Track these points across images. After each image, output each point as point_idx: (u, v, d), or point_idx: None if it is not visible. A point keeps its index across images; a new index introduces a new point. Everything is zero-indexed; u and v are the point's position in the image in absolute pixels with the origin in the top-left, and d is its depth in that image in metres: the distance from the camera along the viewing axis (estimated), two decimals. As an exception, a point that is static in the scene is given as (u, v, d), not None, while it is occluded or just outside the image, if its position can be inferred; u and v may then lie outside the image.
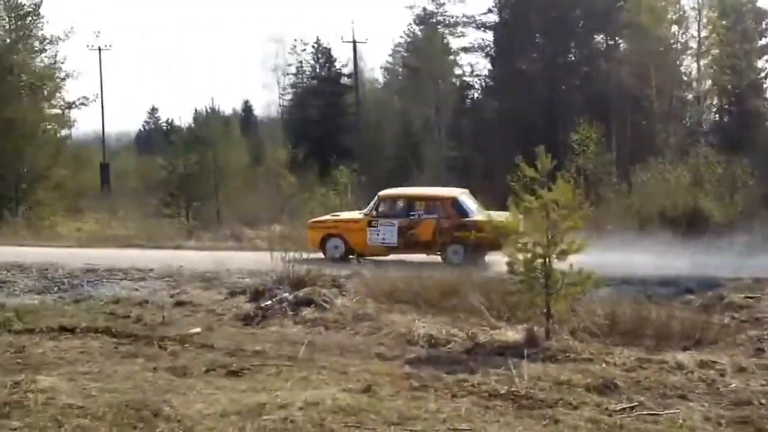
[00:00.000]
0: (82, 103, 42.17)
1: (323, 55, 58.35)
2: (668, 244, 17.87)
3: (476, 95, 55.14)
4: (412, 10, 54.46)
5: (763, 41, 48.03)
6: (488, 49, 52.81)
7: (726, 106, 47.34)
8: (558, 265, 10.33)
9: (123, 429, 6.10)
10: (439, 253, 18.23)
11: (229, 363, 8.77)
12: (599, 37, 49.88)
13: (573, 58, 49.91)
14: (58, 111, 41.93)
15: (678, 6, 44.92)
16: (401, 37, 57.40)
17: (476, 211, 18.40)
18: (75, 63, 74.76)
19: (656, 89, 42.35)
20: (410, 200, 19.17)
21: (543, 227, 10.39)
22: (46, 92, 40.71)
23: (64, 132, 43.79)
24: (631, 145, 41.20)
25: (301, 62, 60.12)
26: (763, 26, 47.93)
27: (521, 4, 48.90)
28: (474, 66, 54.32)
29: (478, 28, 53.47)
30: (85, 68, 55.54)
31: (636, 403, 7.47)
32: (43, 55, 41.01)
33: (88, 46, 56.32)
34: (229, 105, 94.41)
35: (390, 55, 60.93)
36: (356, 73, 57.24)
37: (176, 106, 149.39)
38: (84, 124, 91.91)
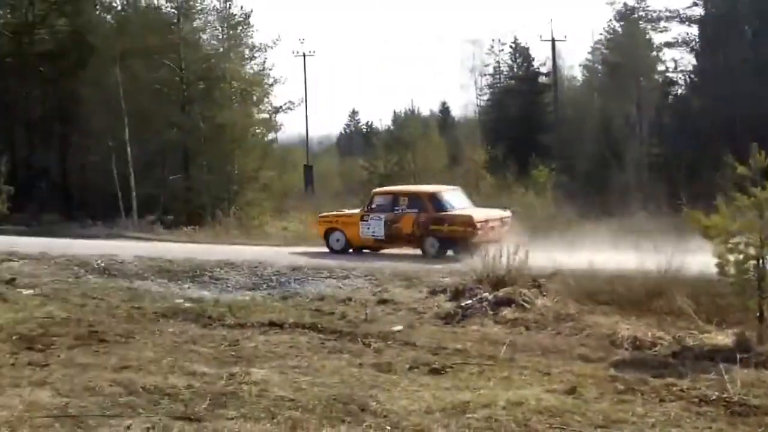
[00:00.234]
0: (288, 108, 43.74)
1: (521, 54, 57.98)
2: None
3: (680, 91, 53.16)
4: (613, 6, 53.02)
5: None
6: (693, 43, 50.82)
7: None
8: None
9: (332, 422, 6.27)
10: (418, 245, 19.51)
11: (432, 361, 8.86)
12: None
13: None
14: (266, 115, 43.60)
15: None
16: (601, 34, 56.04)
17: (458, 208, 19.92)
18: (281, 69, 77.98)
19: None
20: (396, 196, 20.70)
21: (756, 227, 9.90)
22: (255, 98, 42.48)
23: (271, 135, 45.52)
24: None
25: (498, 62, 59.94)
26: None
27: (729, -4, 46.79)
28: (678, 61, 52.41)
29: (682, 22, 51.45)
30: (291, 74, 57.12)
31: None
32: (252, 62, 42.90)
33: (293, 52, 58.29)
34: (427, 106, 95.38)
35: (589, 53, 59.57)
36: (555, 72, 56.46)
37: (376, 108, 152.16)
38: (289, 127, 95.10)
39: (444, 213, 19.58)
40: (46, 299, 13.04)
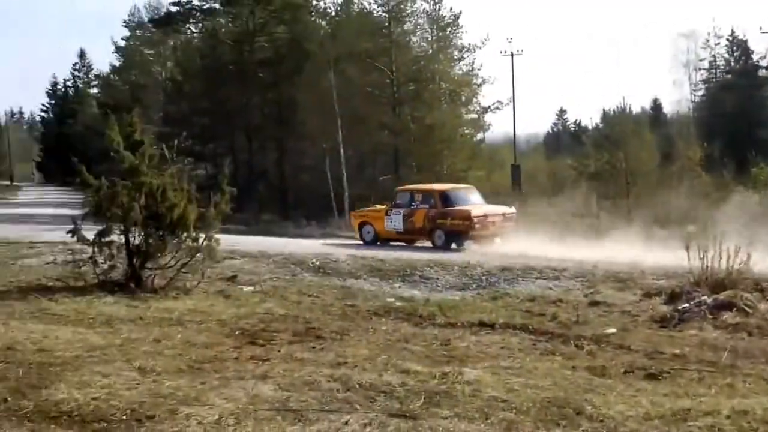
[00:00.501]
0: (497, 108, 43.78)
1: (738, 47, 55.37)
2: None
3: None
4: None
5: None
6: None
7: None
8: None
9: (547, 425, 6.19)
10: (429, 238, 22.36)
11: (648, 365, 8.58)
12: None
13: None
14: (474, 116, 43.80)
15: None
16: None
17: (464, 204, 22.43)
18: (489, 69, 77.82)
19: None
20: (413, 193, 23.61)
21: None
22: (463, 98, 42.80)
23: (479, 135, 45.64)
24: None
25: (714, 56, 57.56)
26: None
27: None
28: None
29: None
30: (499, 73, 56.99)
31: None
32: (461, 63, 43.23)
33: (501, 52, 58.12)
34: (638, 103, 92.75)
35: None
36: (776, 64, 53.56)
37: (584, 106, 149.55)
38: (496, 126, 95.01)
39: (449, 208, 22.15)
40: (265, 296, 13.59)
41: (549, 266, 16.65)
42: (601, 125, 50.32)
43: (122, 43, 74.23)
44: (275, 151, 49.40)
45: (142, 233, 13.57)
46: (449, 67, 42.42)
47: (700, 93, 59.78)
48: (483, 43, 43.02)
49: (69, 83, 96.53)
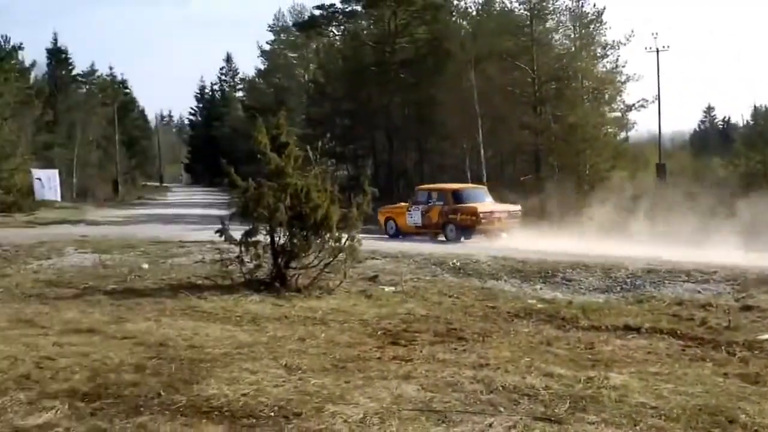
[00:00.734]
0: (642, 105, 42.73)
1: None
2: None
3: None
4: None
5: None
6: None
7: None
8: None
9: (698, 433, 6.02)
10: (443, 232, 25.06)
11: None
12: None
13: None
14: (618, 114, 42.89)
15: None
16: None
17: (473, 202, 25.20)
18: (634, 66, 75.92)
19: None
20: (430, 191, 26.47)
21: None
22: (606, 96, 41.99)
23: (622, 134, 44.66)
24: None
25: None
26: None
27: None
28: None
29: None
30: (644, 70, 55.48)
31: None
32: (604, 60, 42.41)
33: (646, 48, 56.73)
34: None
35: None
36: None
37: (734, 103, 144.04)
38: (640, 124, 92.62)
39: (459, 205, 24.95)
40: (406, 296, 13.66)
41: (697, 269, 16.10)
42: (752, 122, 48.29)
43: (267, 47, 76.17)
44: (415, 152, 49.71)
45: (287, 233, 13.85)
46: (592, 65, 41.68)
47: None
48: (627, 39, 42.03)
49: (216, 87, 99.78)
